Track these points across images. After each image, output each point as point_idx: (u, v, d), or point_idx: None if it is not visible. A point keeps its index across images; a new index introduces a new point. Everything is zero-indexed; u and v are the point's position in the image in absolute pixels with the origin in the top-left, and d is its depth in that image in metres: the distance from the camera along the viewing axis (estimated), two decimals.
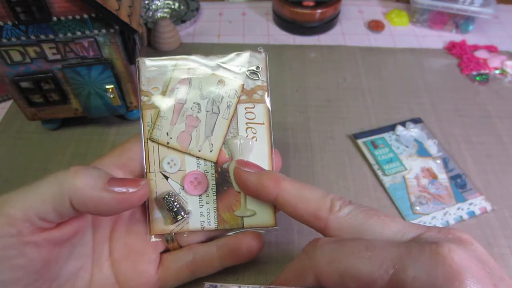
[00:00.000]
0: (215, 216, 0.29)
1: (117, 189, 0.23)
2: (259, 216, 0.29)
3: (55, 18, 0.33)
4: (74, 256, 0.26)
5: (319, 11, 0.55)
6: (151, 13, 0.60)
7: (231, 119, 0.29)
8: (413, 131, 0.43)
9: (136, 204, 0.25)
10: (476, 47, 0.55)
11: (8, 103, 0.47)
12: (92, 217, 0.27)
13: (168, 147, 0.28)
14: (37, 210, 0.22)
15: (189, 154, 0.29)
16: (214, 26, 0.59)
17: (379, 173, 0.40)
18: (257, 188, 0.25)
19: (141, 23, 0.43)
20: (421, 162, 0.41)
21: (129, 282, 0.28)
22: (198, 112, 0.28)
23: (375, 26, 0.59)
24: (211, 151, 0.29)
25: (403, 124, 0.44)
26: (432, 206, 0.37)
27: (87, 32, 0.34)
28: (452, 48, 0.55)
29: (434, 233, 0.20)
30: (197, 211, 0.29)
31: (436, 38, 0.57)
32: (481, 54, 0.54)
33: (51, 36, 0.34)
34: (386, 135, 0.43)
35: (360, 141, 0.43)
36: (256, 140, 0.29)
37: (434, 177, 0.40)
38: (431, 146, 0.42)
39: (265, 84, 0.29)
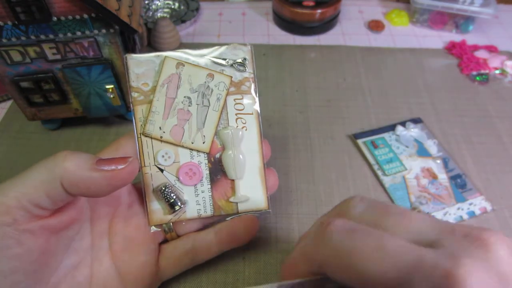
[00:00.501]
0: (211, 204, 0.30)
1: (106, 167, 0.24)
2: (252, 201, 0.30)
3: (55, 18, 0.33)
4: (72, 249, 0.26)
5: (319, 11, 0.55)
6: (151, 13, 0.60)
7: (221, 111, 0.29)
8: (413, 131, 0.43)
9: (127, 181, 0.25)
10: (476, 47, 0.55)
11: (8, 103, 0.47)
12: (90, 211, 0.28)
13: (161, 141, 0.29)
14: (30, 197, 0.22)
15: (183, 146, 0.29)
16: (214, 26, 0.59)
17: (379, 173, 0.40)
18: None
19: (141, 23, 0.43)
20: (421, 162, 0.41)
21: (130, 274, 0.28)
22: (189, 106, 0.29)
23: (375, 26, 0.59)
24: (203, 143, 0.29)
25: (403, 124, 0.44)
26: (432, 206, 0.37)
27: (87, 32, 0.34)
28: (452, 48, 0.55)
29: (459, 238, 0.17)
30: (193, 200, 0.30)
31: (436, 38, 0.57)
32: (481, 54, 0.54)
33: (51, 36, 0.34)
34: (386, 135, 0.43)
35: (360, 141, 0.43)
36: (246, 130, 0.30)
37: (434, 177, 0.40)
38: (431, 146, 0.42)
39: (252, 76, 0.30)
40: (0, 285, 0.21)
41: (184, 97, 0.29)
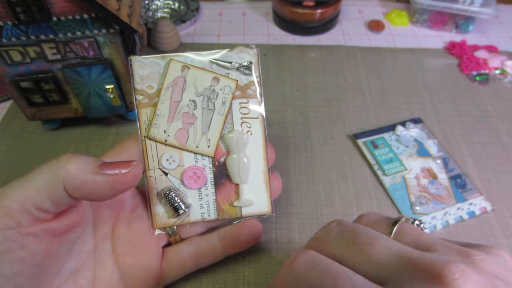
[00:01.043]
0: (215, 207, 0.30)
1: (109, 171, 0.23)
2: (256, 205, 0.30)
3: (55, 18, 0.33)
4: (75, 253, 0.26)
5: (319, 11, 0.55)
6: (151, 13, 0.60)
7: (226, 115, 0.29)
8: (413, 131, 0.43)
9: (130, 185, 0.25)
10: (476, 47, 0.55)
11: (8, 103, 0.47)
12: (93, 214, 0.28)
13: (166, 144, 0.29)
14: (33, 200, 0.22)
15: (187, 150, 0.29)
16: (214, 26, 0.59)
17: (379, 173, 0.40)
18: None
19: (141, 23, 0.43)
20: (421, 162, 0.41)
21: (133, 277, 0.28)
22: (194, 109, 0.29)
23: (375, 26, 0.59)
24: (208, 147, 0.29)
25: (403, 124, 0.44)
26: (432, 206, 0.37)
27: (87, 32, 0.34)
28: (452, 48, 0.55)
29: (418, 274, 0.17)
30: (197, 203, 0.30)
31: (436, 38, 0.57)
32: (481, 54, 0.54)
33: (51, 36, 0.34)
34: (386, 135, 0.43)
35: (360, 141, 0.43)
36: (251, 134, 0.30)
37: (434, 177, 0.40)
38: (431, 146, 0.42)
39: (257, 79, 0.29)
40: None
41: (189, 100, 0.29)
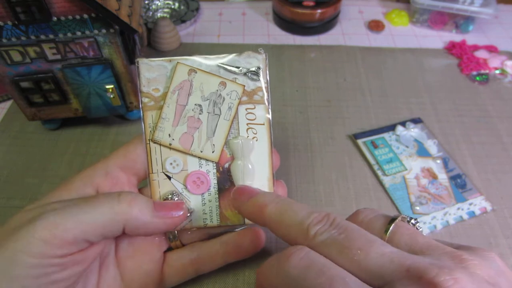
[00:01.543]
0: (217, 214, 0.29)
1: (164, 213, 0.26)
2: None
3: (55, 18, 0.33)
4: (85, 259, 0.26)
5: (319, 11, 0.55)
6: (151, 13, 0.60)
7: (232, 120, 0.29)
8: (413, 131, 0.43)
9: (179, 224, 0.28)
10: (476, 47, 0.55)
11: (8, 103, 0.47)
12: None
13: (170, 148, 0.29)
14: (86, 235, 0.23)
15: (192, 154, 0.29)
16: (214, 26, 0.59)
17: (379, 173, 0.40)
18: (249, 217, 0.26)
19: (141, 23, 0.43)
20: (421, 162, 0.41)
21: (134, 282, 0.28)
22: (200, 114, 0.29)
23: (375, 26, 0.59)
24: (213, 152, 0.29)
25: (403, 124, 0.44)
26: (432, 206, 0.37)
27: (87, 32, 0.34)
28: (452, 48, 0.55)
29: (410, 281, 0.17)
30: (200, 209, 0.29)
31: (436, 38, 0.57)
32: (481, 54, 0.54)
33: (51, 36, 0.34)
34: (386, 135, 0.43)
35: (360, 141, 0.43)
36: (256, 140, 0.29)
37: (434, 177, 0.40)
38: (431, 146, 0.42)
39: (265, 85, 0.29)
40: None
41: (195, 104, 0.29)
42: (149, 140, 0.29)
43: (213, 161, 0.29)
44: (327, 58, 0.54)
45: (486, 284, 0.17)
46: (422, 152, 0.42)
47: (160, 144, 0.29)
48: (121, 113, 0.42)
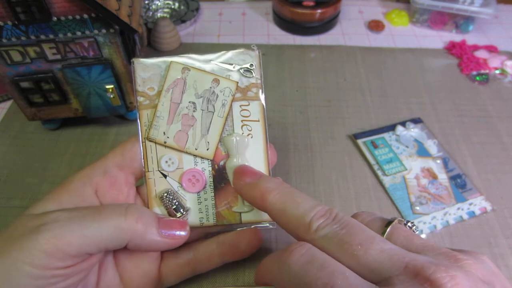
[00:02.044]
0: (214, 212, 0.29)
1: (168, 232, 0.26)
2: (256, 211, 0.29)
3: (55, 18, 0.33)
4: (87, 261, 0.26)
5: (319, 11, 0.55)
6: (151, 13, 0.60)
7: (226, 117, 0.29)
8: (413, 131, 0.43)
9: (181, 243, 0.27)
10: (476, 47, 0.55)
11: (8, 103, 0.47)
12: None
13: (165, 146, 0.29)
14: (90, 249, 0.23)
15: (186, 152, 0.29)
16: (214, 26, 0.59)
17: (379, 173, 0.40)
18: (249, 200, 0.26)
19: (141, 23, 0.43)
20: (421, 162, 0.41)
21: (133, 282, 0.28)
22: (194, 111, 0.29)
23: (375, 26, 0.59)
24: (207, 149, 0.29)
25: (403, 124, 0.44)
26: (432, 206, 0.37)
27: (87, 32, 0.34)
28: (452, 48, 0.55)
29: (408, 278, 0.17)
30: (196, 208, 0.29)
31: (436, 38, 0.57)
32: (481, 54, 0.54)
33: (51, 36, 0.34)
34: (386, 135, 0.43)
35: (360, 141, 0.43)
36: (251, 137, 0.29)
37: (434, 177, 0.40)
38: (431, 146, 0.42)
39: (259, 81, 0.29)
40: None
41: (189, 102, 0.29)
42: (144, 138, 0.29)
43: (208, 159, 0.29)
44: (327, 58, 0.54)
45: (481, 282, 0.17)
46: (422, 152, 0.42)
47: (155, 142, 0.29)
48: (121, 113, 0.42)
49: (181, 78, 0.29)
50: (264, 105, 0.29)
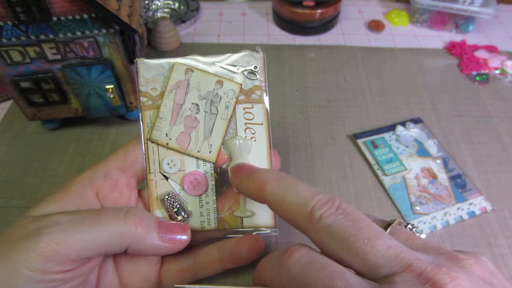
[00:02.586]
0: (215, 216, 0.29)
1: (168, 237, 0.26)
2: (258, 216, 0.29)
3: (55, 18, 0.33)
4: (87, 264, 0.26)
5: (319, 11, 0.55)
6: (151, 13, 0.60)
7: (229, 120, 0.29)
8: (413, 131, 0.43)
9: (181, 248, 0.27)
10: (476, 47, 0.55)
11: (8, 103, 0.47)
12: None
13: (167, 147, 0.28)
14: (90, 253, 0.23)
15: (189, 154, 0.29)
16: (214, 26, 0.59)
17: (379, 173, 0.40)
18: (248, 194, 0.26)
19: (141, 23, 0.43)
20: (421, 162, 0.41)
21: (132, 285, 0.28)
22: (197, 113, 0.28)
23: (375, 26, 0.59)
24: (210, 152, 0.29)
25: (403, 124, 0.44)
26: (432, 206, 0.37)
27: (87, 32, 0.34)
28: (452, 48, 0.55)
29: (412, 277, 0.17)
30: (197, 211, 0.29)
31: (436, 38, 0.57)
32: (481, 54, 0.54)
33: (51, 36, 0.34)
34: (386, 135, 0.43)
35: (360, 141, 0.43)
36: (255, 141, 0.29)
37: (434, 177, 0.40)
38: (431, 146, 0.42)
39: (263, 84, 0.29)
40: None
41: (192, 103, 0.28)
42: (146, 139, 0.28)
43: (210, 162, 0.29)
44: (327, 58, 0.54)
45: (482, 282, 0.17)
46: (422, 152, 0.42)
47: (158, 144, 0.28)
48: (121, 113, 0.42)
49: (184, 79, 0.28)
50: (268, 108, 0.29)
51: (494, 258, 0.34)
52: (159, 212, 0.29)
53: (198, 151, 0.29)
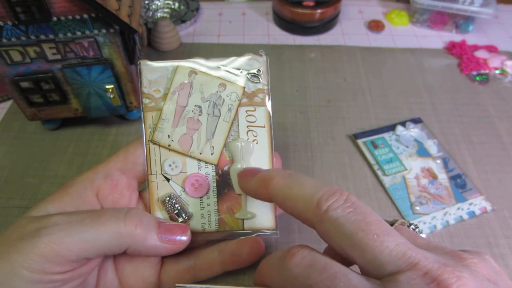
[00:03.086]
0: (216, 218, 0.29)
1: (168, 237, 0.26)
2: (259, 218, 0.29)
3: (55, 18, 0.33)
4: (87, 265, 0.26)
5: (319, 11, 0.55)
6: (151, 13, 0.60)
7: (232, 122, 0.29)
8: (413, 131, 0.43)
9: (181, 249, 0.27)
10: (476, 47, 0.55)
11: (8, 103, 0.47)
12: None
13: (169, 149, 0.28)
14: (89, 254, 0.23)
15: (190, 156, 0.29)
16: (214, 26, 0.59)
17: (379, 173, 0.40)
18: (254, 192, 0.26)
19: (141, 23, 0.43)
20: (421, 162, 0.41)
21: (132, 286, 0.28)
22: (199, 115, 0.29)
23: (375, 26, 0.59)
24: (212, 154, 0.29)
25: (403, 124, 0.44)
26: (432, 206, 0.37)
27: (87, 32, 0.34)
28: (452, 48, 0.55)
29: (417, 276, 0.17)
30: (198, 213, 0.29)
31: (436, 38, 0.57)
32: (481, 54, 0.54)
33: (51, 36, 0.34)
34: (386, 135, 0.43)
35: (360, 141, 0.43)
36: (257, 143, 0.29)
37: (434, 177, 0.40)
38: (431, 146, 0.42)
39: (266, 87, 0.29)
40: None
41: (195, 106, 0.28)
42: (148, 141, 0.28)
43: (212, 164, 0.29)
44: (327, 58, 0.54)
45: (487, 282, 0.17)
46: (422, 152, 0.42)
47: (160, 145, 0.28)
48: (121, 113, 0.42)
49: (187, 82, 0.28)
50: (271, 111, 0.29)
51: (494, 258, 0.34)
52: (160, 214, 0.29)
53: (200, 153, 0.29)
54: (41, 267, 0.22)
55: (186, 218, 0.28)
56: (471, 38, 0.57)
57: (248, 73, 0.29)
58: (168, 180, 0.29)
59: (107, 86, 0.38)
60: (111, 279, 0.27)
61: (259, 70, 0.29)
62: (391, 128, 0.44)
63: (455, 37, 0.57)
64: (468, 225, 0.36)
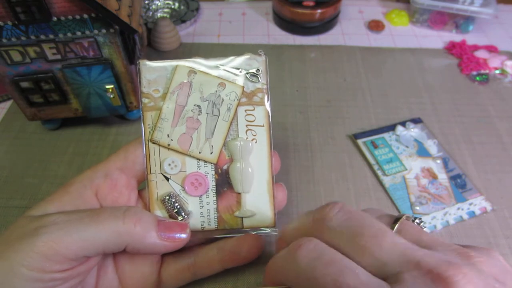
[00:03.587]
0: (215, 217, 0.29)
1: (168, 235, 0.26)
2: (258, 216, 0.29)
3: (55, 18, 0.33)
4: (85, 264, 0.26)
5: (319, 11, 0.55)
6: (151, 13, 0.60)
7: (231, 122, 0.29)
8: (413, 131, 0.43)
9: (180, 247, 0.27)
10: (476, 47, 0.55)
11: (8, 103, 0.47)
12: None
13: (169, 148, 0.29)
14: (88, 252, 0.23)
15: (190, 155, 0.29)
16: (214, 26, 0.59)
17: (379, 173, 0.40)
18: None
19: (141, 23, 0.43)
20: (421, 162, 0.41)
21: (132, 285, 0.28)
22: (199, 114, 0.29)
23: (375, 26, 0.59)
24: (211, 153, 0.29)
25: (403, 124, 0.44)
26: (432, 206, 0.37)
27: (87, 32, 0.34)
28: (452, 48, 0.55)
29: (421, 274, 0.17)
30: (198, 211, 0.29)
31: (436, 38, 0.57)
32: (481, 54, 0.54)
33: (51, 36, 0.34)
34: (386, 135, 0.43)
35: (360, 141, 0.43)
36: (256, 142, 0.29)
37: (434, 177, 0.40)
38: (431, 146, 0.42)
39: (265, 86, 0.29)
40: None
41: (194, 105, 0.29)
42: (148, 140, 0.29)
43: (211, 163, 0.29)
44: (327, 58, 0.54)
45: (494, 281, 0.17)
46: (422, 152, 0.42)
47: (159, 145, 0.29)
48: (121, 113, 0.42)
49: (187, 81, 0.28)
50: (270, 111, 0.29)
51: None
52: (159, 213, 0.29)
53: (200, 152, 0.29)
54: (41, 266, 0.22)
55: (186, 216, 0.29)
56: (471, 38, 0.57)
57: (247, 73, 0.29)
58: (167, 179, 0.29)
59: (107, 86, 0.38)
60: (110, 278, 0.27)
61: (258, 70, 0.29)
62: (391, 128, 0.44)
63: (455, 37, 0.57)
64: (468, 225, 0.36)
